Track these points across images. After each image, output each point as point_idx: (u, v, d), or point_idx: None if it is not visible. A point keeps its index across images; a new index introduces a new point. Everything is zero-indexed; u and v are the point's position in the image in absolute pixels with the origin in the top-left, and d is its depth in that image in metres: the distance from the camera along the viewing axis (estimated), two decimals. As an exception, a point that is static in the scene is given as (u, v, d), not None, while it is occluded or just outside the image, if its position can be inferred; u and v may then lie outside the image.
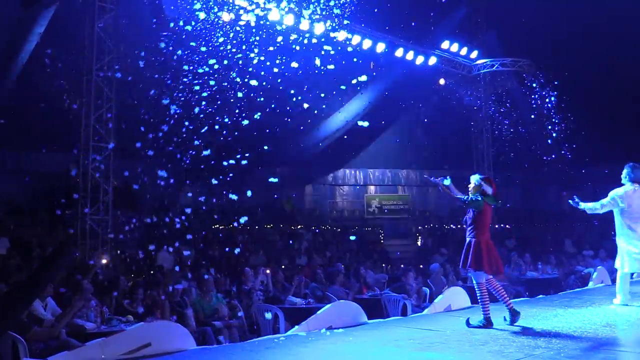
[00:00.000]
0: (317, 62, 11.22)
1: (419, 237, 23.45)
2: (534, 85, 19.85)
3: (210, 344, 7.72)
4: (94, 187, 12.74)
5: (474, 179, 7.02)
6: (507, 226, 23.24)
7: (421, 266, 14.94)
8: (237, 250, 15.19)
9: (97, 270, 10.86)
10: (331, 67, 11.17)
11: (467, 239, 6.83)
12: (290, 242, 18.27)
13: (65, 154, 15.03)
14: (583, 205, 8.21)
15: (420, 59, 19.07)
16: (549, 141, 19.90)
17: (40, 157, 16.99)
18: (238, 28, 11.55)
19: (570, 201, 8.30)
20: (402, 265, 14.74)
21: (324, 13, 14.39)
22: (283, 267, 14.34)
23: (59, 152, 15.64)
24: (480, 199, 6.79)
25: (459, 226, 23.15)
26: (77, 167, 13.11)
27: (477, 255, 6.66)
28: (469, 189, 7.02)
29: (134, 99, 12.77)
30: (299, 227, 20.82)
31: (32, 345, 6.20)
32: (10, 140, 16.00)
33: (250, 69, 10.95)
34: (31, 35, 14.14)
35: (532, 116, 20.25)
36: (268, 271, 11.65)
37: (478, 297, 6.82)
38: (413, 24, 17.86)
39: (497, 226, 21.45)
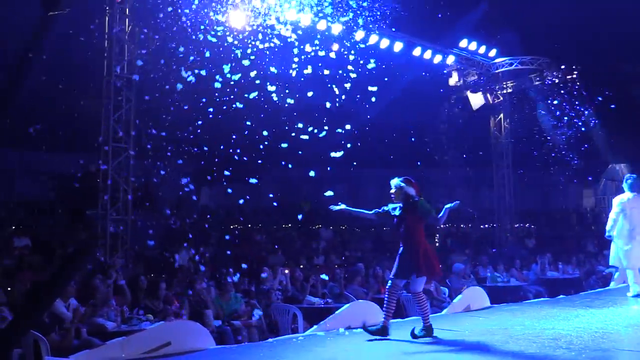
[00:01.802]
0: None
1: (437, 237, 23.28)
2: (554, 83, 19.64)
3: (229, 343, 7.75)
4: (113, 188, 12.82)
5: (394, 182, 6.50)
6: (526, 226, 23.06)
7: (440, 266, 14.85)
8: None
9: (117, 270, 10.93)
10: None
11: (410, 246, 6.42)
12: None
13: (85, 155, 15.16)
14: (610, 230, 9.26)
15: (438, 58, 18.95)
16: (567, 140, 19.71)
17: (61, 158, 17.16)
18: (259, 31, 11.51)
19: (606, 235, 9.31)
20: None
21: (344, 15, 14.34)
22: (301, 266, 14.33)
23: (79, 153, 15.78)
24: (424, 201, 6.39)
25: (485, 226, 23.04)
26: (97, 168, 13.20)
27: (429, 262, 6.44)
28: (392, 194, 6.53)
29: (153, 100, 12.82)
30: (317, 226, 20.80)
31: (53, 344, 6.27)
32: (31, 141, 16.17)
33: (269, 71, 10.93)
34: (51, 36, 14.26)
35: (553, 115, 20.03)
36: (287, 271, 11.66)
37: (420, 306, 6.43)
38: (431, 22, 17.76)
39: (516, 225, 21.27)
